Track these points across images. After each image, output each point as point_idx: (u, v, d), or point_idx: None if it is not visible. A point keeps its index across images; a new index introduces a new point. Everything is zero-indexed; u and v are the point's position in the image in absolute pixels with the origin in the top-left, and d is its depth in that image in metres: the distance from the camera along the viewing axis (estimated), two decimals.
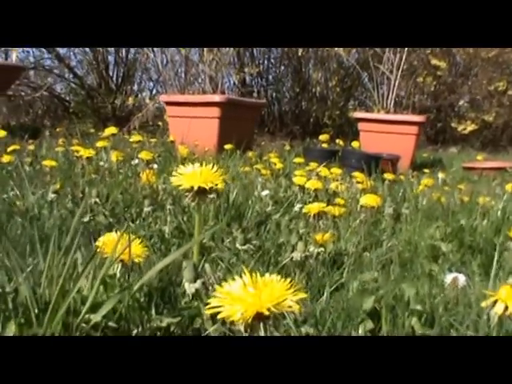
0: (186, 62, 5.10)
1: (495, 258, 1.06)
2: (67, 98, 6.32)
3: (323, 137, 4.88)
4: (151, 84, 6.68)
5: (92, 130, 4.67)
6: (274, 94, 7.15)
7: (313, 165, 2.98)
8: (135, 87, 6.65)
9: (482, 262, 1.21)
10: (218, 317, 0.50)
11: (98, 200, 1.55)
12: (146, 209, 1.58)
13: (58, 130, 4.36)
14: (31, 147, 2.85)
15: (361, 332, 0.77)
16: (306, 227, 1.42)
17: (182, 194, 1.87)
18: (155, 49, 5.02)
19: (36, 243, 0.95)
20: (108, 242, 0.85)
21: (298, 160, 3.15)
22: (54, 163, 2.12)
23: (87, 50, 6.09)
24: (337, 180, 2.51)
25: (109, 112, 5.93)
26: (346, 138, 5.13)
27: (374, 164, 3.19)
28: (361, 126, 4.46)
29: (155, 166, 2.54)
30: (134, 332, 0.71)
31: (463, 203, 1.90)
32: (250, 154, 3.49)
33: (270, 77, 7.14)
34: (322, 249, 1.11)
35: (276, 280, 0.53)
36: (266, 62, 7.00)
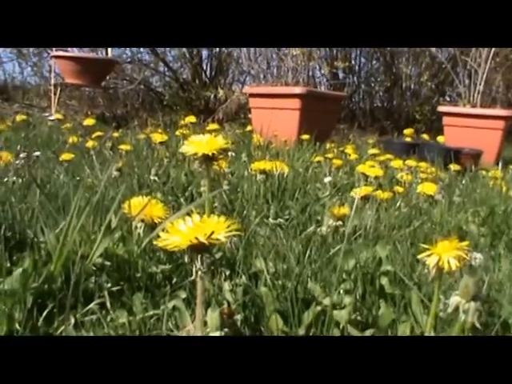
0: (278, 56, 5.20)
1: None
2: (162, 91, 6.56)
3: (407, 131, 4.88)
4: (243, 77, 6.81)
5: (182, 122, 4.85)
6: (366, 89, 7.12)
7: (387, 156, 3.01)
8: (228, 80, 6.80)
9: (508, 245, 1.23)
10: (159, 245, 0.59)
11: (156, 178, 1.67)
12: (202, 188, 1.70)
13: (147, 120, 4.57)
14: (116, 134, 3.04)
15: (341, 291, 0.83)
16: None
17: (239, 177, 1.98)
18: None
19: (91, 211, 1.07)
20: (133, 204, 0.95)
21: (372, 151, 3.17)
22: (128, 147, 2.26)
23: None
24: (404, 170, 2.54)
25: (201, 104, 6.11)
26: (435, 132, 5.07)
27: (453, 158, 3.19)
28: (445, 120, 4.39)
29: (231, 153, 2.66)
30: (137, 275, 0.81)
31: None
32: (327, 144, 3.55)
33: (362, 72, 7.13)
34: (340, 222, 1.18)
35: (216, 219, 0.61)
36: (357, 56, 6.99)
